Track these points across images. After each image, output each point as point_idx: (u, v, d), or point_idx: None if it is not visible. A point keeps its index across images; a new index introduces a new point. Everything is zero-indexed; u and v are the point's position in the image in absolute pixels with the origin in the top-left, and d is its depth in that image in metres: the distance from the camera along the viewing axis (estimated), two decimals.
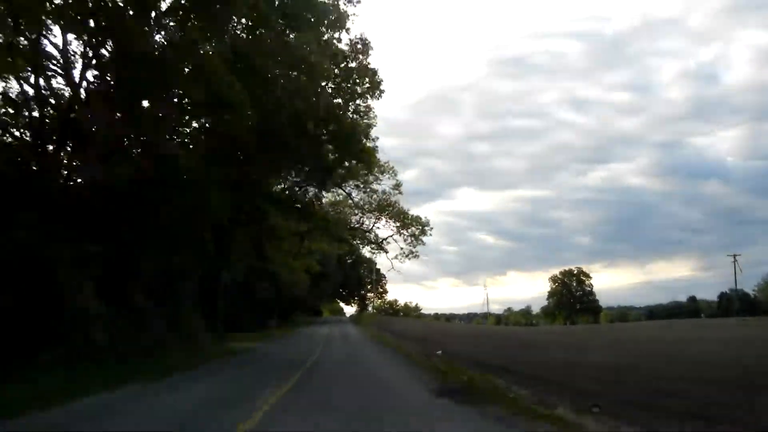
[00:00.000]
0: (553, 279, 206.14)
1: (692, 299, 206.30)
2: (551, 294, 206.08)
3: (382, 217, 60.38)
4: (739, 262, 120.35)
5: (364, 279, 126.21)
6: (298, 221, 49.76)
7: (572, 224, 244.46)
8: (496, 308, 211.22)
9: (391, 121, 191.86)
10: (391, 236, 62.68)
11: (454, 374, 21.14)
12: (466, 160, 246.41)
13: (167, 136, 26.33)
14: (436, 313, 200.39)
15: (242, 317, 63.00)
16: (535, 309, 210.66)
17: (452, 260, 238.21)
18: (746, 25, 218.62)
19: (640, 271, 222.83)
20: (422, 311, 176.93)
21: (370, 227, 62.19)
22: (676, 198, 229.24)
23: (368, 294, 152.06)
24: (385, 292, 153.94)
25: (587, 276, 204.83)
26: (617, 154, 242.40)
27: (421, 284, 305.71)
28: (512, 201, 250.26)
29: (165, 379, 20.31)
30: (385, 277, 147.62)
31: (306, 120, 28.48)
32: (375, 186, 60.03)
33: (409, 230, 61.18)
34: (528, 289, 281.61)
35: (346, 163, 32.24)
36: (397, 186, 59.85)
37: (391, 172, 59.25)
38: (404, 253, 64.08)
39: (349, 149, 30.52)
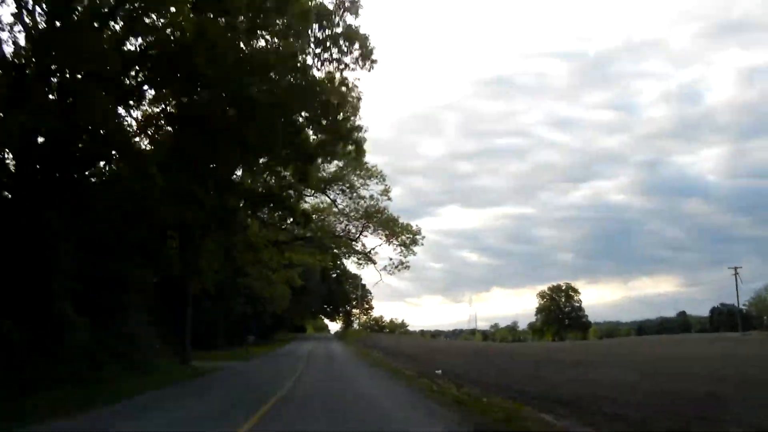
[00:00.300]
0: (541, 295, 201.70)
1: (681, 314, 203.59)
2: (539, 310, 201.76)
3: (370, 225, 54.64)
4: (727, 276, 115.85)
5: (349, 294, 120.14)
6: (275, 223, 44.21)
7: (556, 241, 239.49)
8: (482, 325, 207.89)
9: (374, 140, 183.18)
10: (380, 245, 57.11)
11: (476, 406, 15.65)
12: (450, 178, 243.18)
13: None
14: (422, 330, 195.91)
15: (216, 334, 57.57)
16: (522, 325, 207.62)
17: (437, 277, 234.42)
18: (727, 46, 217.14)
19: (624, 287, 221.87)
20: (408, 328, 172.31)
21: (357, 236, 56.48)
22: (658, 216, 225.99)
23: (353, 310, 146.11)
24: (371, 308, 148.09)
25: (576, 291, 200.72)
26: (600, 172, 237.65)
27: (405, 301, 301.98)
28: (496, 219, 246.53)
29: (75, 415, 14.56)
30: (370, 293, 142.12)
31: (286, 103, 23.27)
32: (362, 192, 54.70)
33: (399, 239, 55.61)
34: (512, 305, 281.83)
35: (330, 148, 26.54)
36: (386, 192, 54.46)
37: (379, 177, 53.99)
38: (393, 264, 58.45)
39: (337, 129, 25.05)
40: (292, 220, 30.05)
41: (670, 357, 39.49)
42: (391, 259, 58.68)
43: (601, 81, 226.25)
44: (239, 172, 29.89)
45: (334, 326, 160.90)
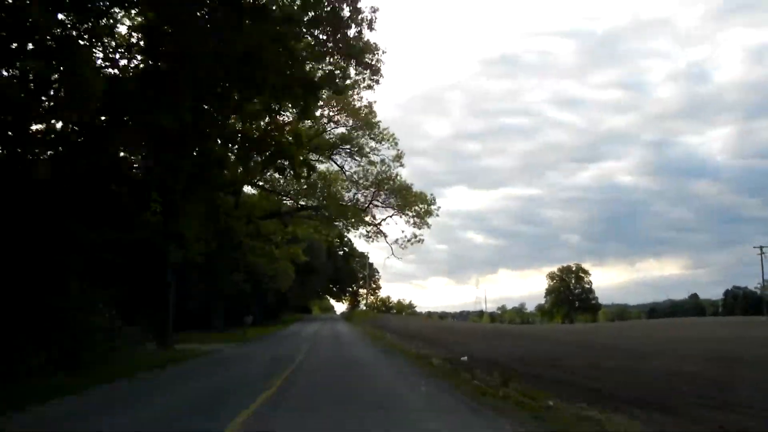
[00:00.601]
0: (551, 276, 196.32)
1: (693, 297, 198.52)
2: (549, 291, 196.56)
3: (381, 193, 48.38)
4: (734, 258, 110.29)
5: (357, 273, 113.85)
6: (275, 189, 38.27)
7: (562, 222, 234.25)
8: (489, 306, 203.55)
9: (379, 120, 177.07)
10: (391, 217, 50.82)
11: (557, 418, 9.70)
12: (456, 159, 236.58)
13: None
14: (429, 311, 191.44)
15: (212, 314, 51.79)
16: (530, 307, 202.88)
17: (442, 259, 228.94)
18: (736, 25, 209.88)
19: (631, 269, 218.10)
20: (416, 309, 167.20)
21: (366, 205, 50.12)
22: (665, 197, 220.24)
23: (360, 290, 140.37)
24: (378, 288, 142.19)
25: (586, 273, 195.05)
26: (608, 152, 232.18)
27: (411, 283, 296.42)
28: (502, 199, 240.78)
29: None
30: (378, 272, 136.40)
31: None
32: (372, 157, 48.40)
33: (412, 210, 49.35)
34: (518, 287, 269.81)
35: (339, 72, 20.26)
36: (399, 157, 48.17)
37: (391, 140, 47.64)
38: (405, 238, 52.18)
39: (346, 47, 18.84)
40: (292, 172, 23.69)
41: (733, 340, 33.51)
42: (403, 231, 52.62)
43: (609, 60, 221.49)
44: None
45: (341, 307, 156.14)
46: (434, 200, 50.68)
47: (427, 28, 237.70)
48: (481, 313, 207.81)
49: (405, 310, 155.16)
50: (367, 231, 52.70)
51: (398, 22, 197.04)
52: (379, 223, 51.87)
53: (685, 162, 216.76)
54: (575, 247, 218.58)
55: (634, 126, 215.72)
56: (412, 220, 50.61)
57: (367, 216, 50.78)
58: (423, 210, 50.24)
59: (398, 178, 48.63)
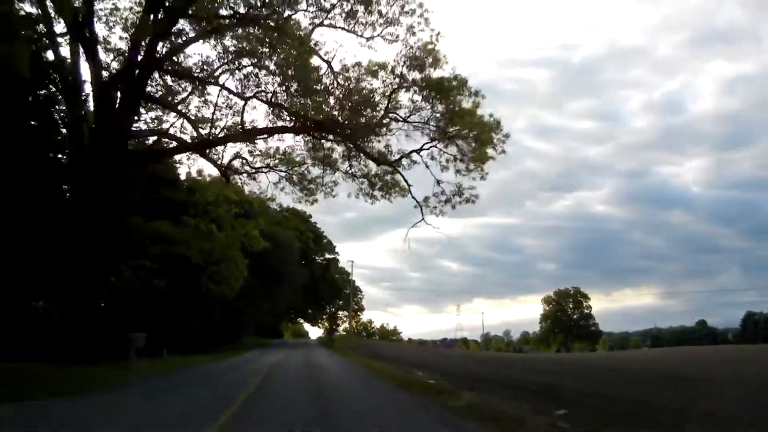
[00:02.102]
0: (547, 300, 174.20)
1: (702, 323, 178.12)
2: (545, 316, 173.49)
3: (406, 86, 24.10)
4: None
5: (338, 285, 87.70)
6: None
7: (538, 251, 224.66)
8: (464, 334, 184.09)
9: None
10: (427, 146, 26.28)
11: None
12: (433, 186, 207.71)
13: None
14: (410, 338, 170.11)
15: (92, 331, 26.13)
16: (514, 335, 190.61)
17: (417, 287, 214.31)
18: (711, 56, 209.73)
19: (606, 298, 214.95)
20: (401, 335, 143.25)
21: (383, 106, 25.39)
22: (640, 226, 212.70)
23: (339, 312, 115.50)
24: (361, 309, 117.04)
25: (585, 297, 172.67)
26: (584, 182, 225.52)
27: (386, 310, 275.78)
28: (478, 228, 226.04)
29: None
30: (360, 292, 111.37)
31: None
32: (393, 29, 24.17)
33: (462, 134, 25.29)
34: (494, 315, 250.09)
35: None
36: (434, 38, 24.16)
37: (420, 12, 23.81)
38: (451, 193, 27.65)
39: None
40: None
41: None
42: (440, 184, 27.88)
43: (586, 89, 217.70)
44: None
45: (317, 332, 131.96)
46: (499, 124, 26.33)
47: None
48: (465, 341, 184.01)
49: (389, 335, 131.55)
50: (376, 174, 27.88)
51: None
52: (401, 159, 27.19)
53: (659, 192, 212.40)
54: (550, 275, 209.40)
55: (609, 156, 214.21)
56: (460, 156, 26.29)
57: (380, 141, 26.18)
58: (478, 141, 26.08)
59: (439, 64, 24.15)
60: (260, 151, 30.24)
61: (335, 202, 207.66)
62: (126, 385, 18.11)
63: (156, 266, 28.65)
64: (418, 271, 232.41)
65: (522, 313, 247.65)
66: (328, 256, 78.81)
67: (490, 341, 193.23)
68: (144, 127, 29.22)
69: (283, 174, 30.33)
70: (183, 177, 37.57)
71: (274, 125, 27.14)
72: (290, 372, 25.99)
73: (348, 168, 28.72)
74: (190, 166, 51.98)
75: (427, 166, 27.54)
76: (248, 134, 26.89)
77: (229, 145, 29.93)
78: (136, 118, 27.70)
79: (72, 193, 25.24)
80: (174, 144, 28.31)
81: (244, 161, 30.57)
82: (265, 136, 27.93)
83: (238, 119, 27.43)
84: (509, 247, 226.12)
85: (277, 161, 28.89)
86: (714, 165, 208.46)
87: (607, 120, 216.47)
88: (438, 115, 25.30)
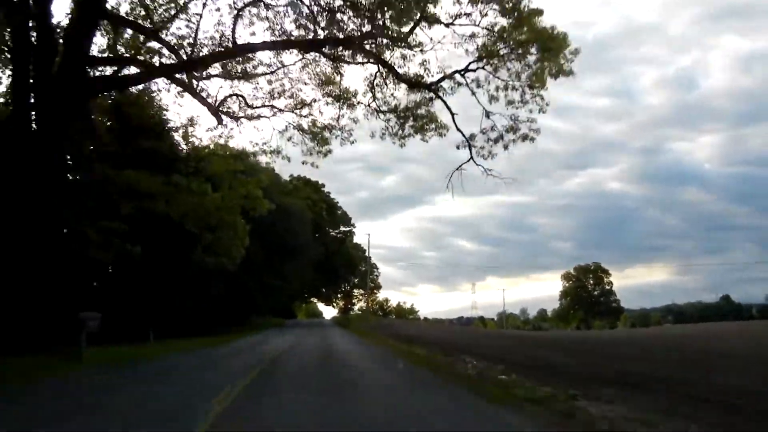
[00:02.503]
0: (567, 277, 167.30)
1: (725, 298, 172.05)
2: (565, 293, 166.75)
3: None
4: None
5: (355, 260, 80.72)
6: None
7: (552, 230, 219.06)
8: (479, 313, 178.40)
9: (369, 127, 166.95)
10: (474, 67, 19.50)
11: None
12: (447, 165, 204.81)
13: None
14: (426, 317, 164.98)
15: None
16: (531, 313, 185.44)
17: (431, 266, 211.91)
18: (725, 32, 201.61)
19: (620, 275, 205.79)
20: (418, 313, 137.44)
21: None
22: (654, 204, 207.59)
23: (355, 291, 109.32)
24: (377, 287, 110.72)
25: (606, 273, 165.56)
26: (598, 159, 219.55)
27: (401, 290, 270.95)
28: (492, 207, 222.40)
29: None
30: (377, 269, 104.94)
31: None
32: None
33: (524, 42, 18.67)
34: (509, 293, 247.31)
35: None
36: None
37: None
38: (499, 129, 20.97)
39: None
40: None
41: None
42: (490, 117, 21.02)
43: (599, 67, 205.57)
44: None
45: (331, 312, 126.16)
46: (565, 39, 19.57)
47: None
48: (482, 319, 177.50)
49: (406, 314, 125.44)
50: (407, 108, 21.12)
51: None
52: (440, 81, 20.38)
53: (674, 169, 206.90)
54: (565, 253, 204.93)
55: (624, 133, 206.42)
56: (515, 84, 19.66)
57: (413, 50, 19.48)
58: (540, 63, 19.47)
59: None
60: (263, 91, 23.83)
61: (348, 182, 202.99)
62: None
63: (126, 228, 22.22)
64: (433, 251, 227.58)
65: (536, 291, 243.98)
66: (343, 228, 72.29)
67: (507, 319, 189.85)
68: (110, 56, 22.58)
69: (290, 120, 23.81)
70: (173, 128, 30.89)
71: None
72: (308, 347, 19.46)
73: (372, 100, 22.02)
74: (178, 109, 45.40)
75: (473, 93, 20.71)
76: (237, 51, 20.20)
77: (225, 83, 23.53)
78: (97, 40, 21.14)
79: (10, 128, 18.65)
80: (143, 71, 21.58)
81: (242, 100, 24.10)
82: (260, 62, 21.37)
83: (229, 35, 20.66)
84: (523, 226, 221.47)
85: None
86: (728, 141, 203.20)
87: (621, 97, 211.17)
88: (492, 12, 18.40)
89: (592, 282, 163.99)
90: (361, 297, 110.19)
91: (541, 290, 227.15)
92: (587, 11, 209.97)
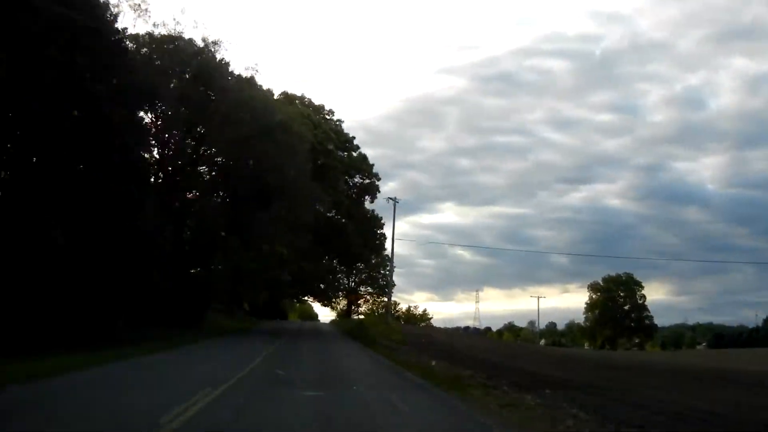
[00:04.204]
0: (594, 288, 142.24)
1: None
2: (591, 306, 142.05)
3: None
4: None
5: (375, 224, 51.99)
6: None
7: (550, 243, 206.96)
8: (482, 323, 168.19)
9: (373, 131, 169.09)
10: None
11: None
12: (448, 174, 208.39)
13: None
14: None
15: None
16: (522, 324, 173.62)
17: (428, 274, 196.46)
18: (733, 52, 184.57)
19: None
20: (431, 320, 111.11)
21: None
22: (654, 222, 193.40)
23: (360, 288, 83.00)
24: (390, 285, 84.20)
25: (639, 285, 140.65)
26: (599, 174, 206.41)
27: (397, 296, 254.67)
28: (490, 217, 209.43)
29: None
30: (388, 260, 78.10)
31: None
32: None
33: None
34: (507, 304, 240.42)
35: None
36: None
37: None
38: None
39: None
40: None
41: None
42: None
43: (605, 82, 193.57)
44: None
45: (326, 314, 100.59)
46: None
47: (426, 42, 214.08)
48: (487, 330, 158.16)
49: (418, 320, 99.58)
50: None
51: (398, 35, 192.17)
52: None
53: (675, 188, 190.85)
54: (562, 267, 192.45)
55: (626, 149, 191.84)
56: None
57: None
58: None
59: None
60: None
61: None
62: None
63: None
64: (430, 258, 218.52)
65: (533, 304, 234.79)
66: (359, 180, 44.97)
67: (520, 331, 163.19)
68: None
69: None
70: None
71: None
72: None
73: None
74: None
75: None
76: None
77: None
78: None
79: None
80: None
81: None
82: None
83: None
84: (521, 238, 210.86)
85: None
86: (731, 163, 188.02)
87: (625, 113, 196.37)
88: None
89: (622, 295, 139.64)
90: (368, 297, 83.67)
91: (536, 303, 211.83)
92: (596, 26, 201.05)
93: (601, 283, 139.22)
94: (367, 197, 44.31)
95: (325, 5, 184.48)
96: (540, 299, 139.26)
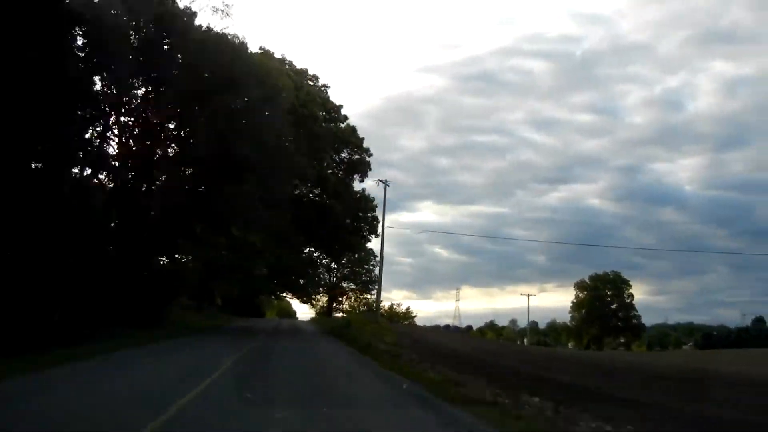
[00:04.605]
0: (581, 286, 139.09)
1: (759, 320, 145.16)
2: (577, 305, 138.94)
3: None
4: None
5: (361, 222, 43.58)
6: None
7: (529, 242, 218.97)
8: (462, 322, 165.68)
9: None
10: None
11: None
12: (428, 173, 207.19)
13: None
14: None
15: None
16: (502, 322, 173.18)
17: (406, 272, 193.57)
18: (713, 55, 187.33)
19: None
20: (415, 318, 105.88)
21: None
22: (632, 222, 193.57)
23: (343, 284, 77.98)
24: (373, 282, 79.14)
25: (627, 284, 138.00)
26: (579, 175, 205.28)
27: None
28: (469, 216, 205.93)
29: None
30: (373, 255, 72.99)
31: None
32: None
33: None
34: (484, 303, 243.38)
35: None
36: None
37: None
38: None
39: None
40: None
41: None
42: None
43: (585, 83, 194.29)
44: None
45: (305, 311, 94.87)
46: None
47: (406, 40, 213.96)
48: (469, 328, 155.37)
49: (401, 319, 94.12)
50: None
51: (380, 35, 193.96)
52: None
53: (654, 189, 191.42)
54: (540, 267, 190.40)
55: (606, 150, 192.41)
56: None
57: None
58: None
59: None
60: None
61: None
62: None
63: None
64: (409, 257, 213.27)
65: (510, 302, 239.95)
66: (346, 155, 38.28)
67: (502, 330, 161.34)
68: None
69: None
70: None
71: None
72: None
73: None
74: None
75: None
76: None
77: None
78: None
79: None
80: None
81: None
82: None
83: None
84: (500, 237, 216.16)
85: None
86: (709, 165, 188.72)
87: (605, 114, 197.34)
88: None
89: (609, 293, 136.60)
90: (351, 294, 78.48)
91: (514, 302, 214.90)
92: (576, 26, 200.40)
93: (588, 281, 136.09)
94: (356, 175, 37.99)
95: (306, 2, 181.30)
96: (529, 297, 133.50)
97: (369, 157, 37.25)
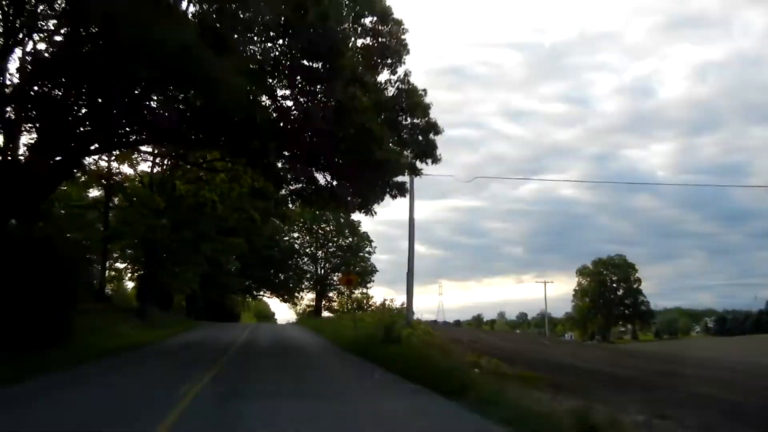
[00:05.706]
0: (583, 272, 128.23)
1: None
2: (580, 293, 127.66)
3: None
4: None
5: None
6: None
7: (505, 234, 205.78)
8: (438, 317, 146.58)
9: None
10: None
11: None
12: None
13: None
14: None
15: None
16: (490, 316, 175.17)
17: (384, 269, 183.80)
18: (681, 41, 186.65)
19: (571, 281, 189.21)
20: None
21: None
22: (607, 210, 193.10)
23: (334, 276, 64.44)
24: (368, 272, 65.91)
25: (633, 268, 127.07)
26: (551, 165, 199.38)
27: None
28: (445, 211, 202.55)
29: None
30: (367, 240, 59.78)
31: None
32: None
33: None
34: (462, 297, 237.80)
35: None
36: None
37: None
38: None
39: None
40: None
41: None
42: None
43: (555, 73, 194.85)
44: None
45: (285, 312, 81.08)
46: None
47: None
48: (458, 323, 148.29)
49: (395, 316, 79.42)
50: None
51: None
52: None
53: (627, 176, 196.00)
54: (517, 259, 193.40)
55: (578, 139, 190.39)
56: None
57: None
58: None
59: None
60: None
61: None
62: None
63: None
64: (385, 253, 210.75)
65: (487, 296, 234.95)
66: (370, 23, 22.95)
67: (493, 323, 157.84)
68: None
69: None
70: None
71: None
72: None
73: None
74: None
75: None
76: None
77: None
78: None
79: None
80: None
81: None
82: None
83: None
84: (475, 231, 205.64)
85: None
86: (681, 150, 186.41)
87: (576, 104, 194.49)
88: None
89: (615, 279, 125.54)
90: (341, 287, 64.83)
91: (492, 295, 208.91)
92: (544, 18, 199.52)
93: (590, 266, 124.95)
94: (385, 61, 19.26)
95: None
96: (545, 285, 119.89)
97: (404, 33, 24.33)
